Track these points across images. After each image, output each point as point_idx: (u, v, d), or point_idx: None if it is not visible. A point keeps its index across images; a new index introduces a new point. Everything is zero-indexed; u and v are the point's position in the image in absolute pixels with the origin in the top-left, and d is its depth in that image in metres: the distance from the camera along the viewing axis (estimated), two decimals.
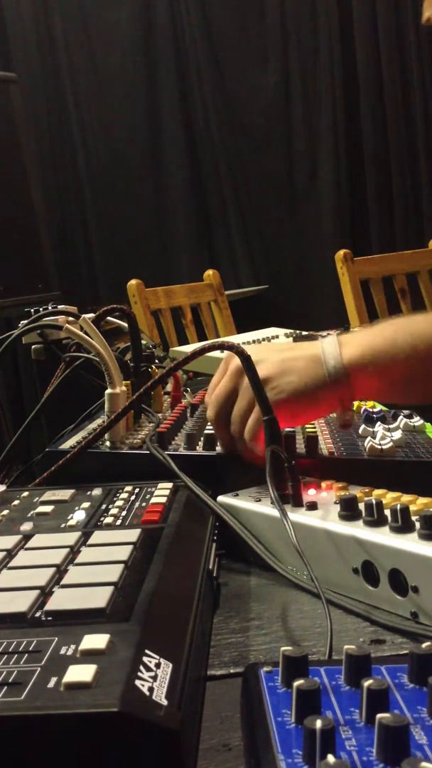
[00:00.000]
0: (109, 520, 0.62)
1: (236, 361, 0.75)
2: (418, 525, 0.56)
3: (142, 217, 3.55)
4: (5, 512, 0.66)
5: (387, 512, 0.59)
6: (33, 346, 1.14)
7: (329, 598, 0.56)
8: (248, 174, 3.59)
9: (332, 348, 0.76)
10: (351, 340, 0.78)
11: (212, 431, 0.78)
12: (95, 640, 0.39)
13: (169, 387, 1.04)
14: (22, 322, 1.10)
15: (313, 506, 0.64)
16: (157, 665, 0.39)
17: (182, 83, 3.54)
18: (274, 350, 0.79)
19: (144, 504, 0.66)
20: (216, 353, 0.84)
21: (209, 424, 0.82)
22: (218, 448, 0.78)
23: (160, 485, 0.70)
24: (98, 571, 0.50)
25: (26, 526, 0.61)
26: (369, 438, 0.77)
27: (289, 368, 0.75)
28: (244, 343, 0.83)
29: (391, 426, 0.85)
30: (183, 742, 0.35)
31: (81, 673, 0.36)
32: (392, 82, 3.44)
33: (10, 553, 0.55)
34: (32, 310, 1.11)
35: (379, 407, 0.97)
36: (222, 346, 0.78)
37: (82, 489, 0.71)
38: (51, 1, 3.39)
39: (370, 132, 3.48)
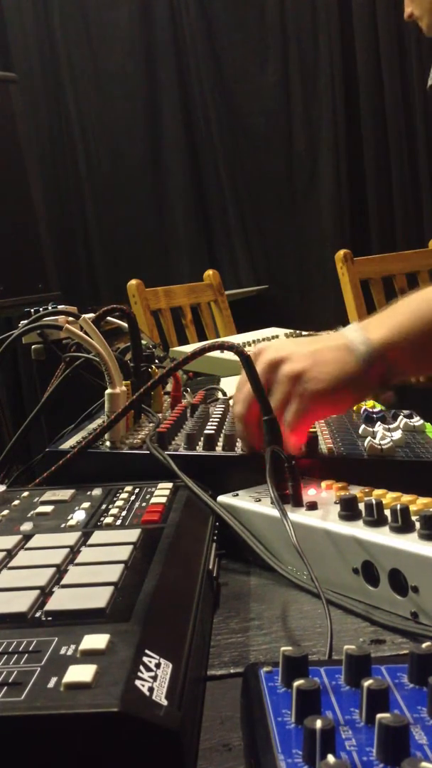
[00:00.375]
0: (109, 520, 0.62)
1: (263, 358, 0.76)
2: (418, 525, 0.56)
3: (142, 217, 3.55)
4: (5, 512, 0.66)
5: (387, 512, 0.59)
6: (33, 346, 1.14)
7: (329, 598, 0.56)
8: (248, 174, 3.59)
9: (358, 334, 0.77)
10: (373, 324, 0.78)
11: (212, 431, 0.78)
12: (95, 640, 0.39)
13: (169, 387, 1.04)
14: (22, 322, 1.10)
15: (313, 506, 0.64)
16: (157, 665, 0.39)
17: (182, 83, 3.54)
18: (298, 344, 0.79)
19: (144, 504, 0.65)
20: (216, 353, 0.84)
21: (209, 424, 0.82)
22: (218, 448, 0.78)
23: (160, 485, 0.70)
24: (98, 571, 0.50)
25: (26, 526, 0.61)
26: (369, 438, 0.77)
27: (321, 359, 0.75)
28: (244, 343, 0.83)
29: (391, 426, 0.85)
30: (183, 742, 0.35)
31: (81, 673, 0.36)
32: (392, 82, 3.44)
33: (10, 553, 0.54)
34: (32, 310, 1.11)
35: (379, 407, 0.97)
36: (222, 346, 0.78)
37: (82, 489, 0.71)
38: (51, 1, 3.39)
39: (370, 132, 3.49)
